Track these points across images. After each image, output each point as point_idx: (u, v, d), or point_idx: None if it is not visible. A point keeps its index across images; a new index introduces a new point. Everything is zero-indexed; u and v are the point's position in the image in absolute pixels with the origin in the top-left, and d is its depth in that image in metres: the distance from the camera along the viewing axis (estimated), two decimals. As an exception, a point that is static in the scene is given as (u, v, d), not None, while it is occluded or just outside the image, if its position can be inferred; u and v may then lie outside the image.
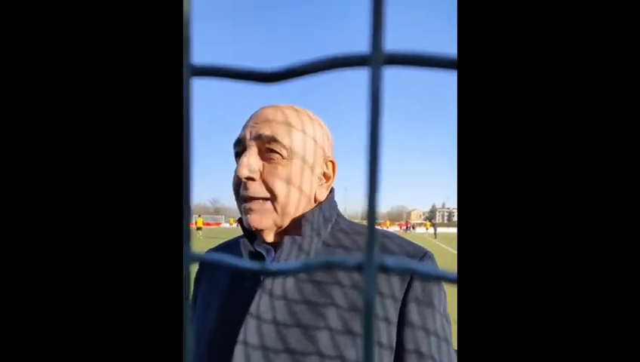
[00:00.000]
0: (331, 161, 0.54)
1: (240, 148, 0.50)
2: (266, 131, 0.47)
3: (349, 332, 0.43)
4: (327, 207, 0.53)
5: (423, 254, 0.49)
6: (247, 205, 0.48)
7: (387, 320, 0.44)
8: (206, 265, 0.52)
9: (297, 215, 0.50)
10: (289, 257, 0.47)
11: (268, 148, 0.48)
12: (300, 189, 0.49)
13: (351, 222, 0.55)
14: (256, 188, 0.47)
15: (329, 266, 0.12)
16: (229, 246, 0.60)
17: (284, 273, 0.12)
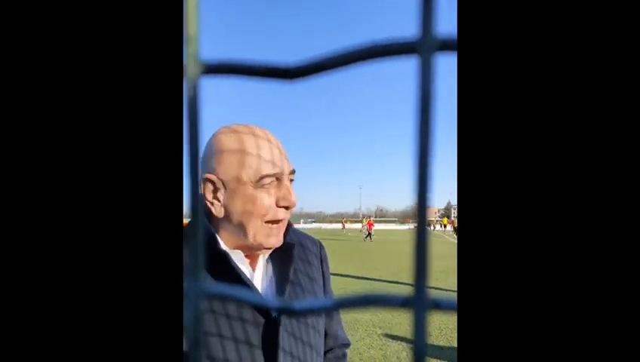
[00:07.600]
0: None
1: (273, 179, 0.54)
2: (291, 166, 0.57)
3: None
4: None
5: (320, 244, 0.70)
6: (279, 227, 0.55)
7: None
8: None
9: None
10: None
11: (290, 179, 0.57)
12: None
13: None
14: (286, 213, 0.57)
15: (370, 303, 0.10)
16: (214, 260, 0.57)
17: (311, 311, 0.11)
